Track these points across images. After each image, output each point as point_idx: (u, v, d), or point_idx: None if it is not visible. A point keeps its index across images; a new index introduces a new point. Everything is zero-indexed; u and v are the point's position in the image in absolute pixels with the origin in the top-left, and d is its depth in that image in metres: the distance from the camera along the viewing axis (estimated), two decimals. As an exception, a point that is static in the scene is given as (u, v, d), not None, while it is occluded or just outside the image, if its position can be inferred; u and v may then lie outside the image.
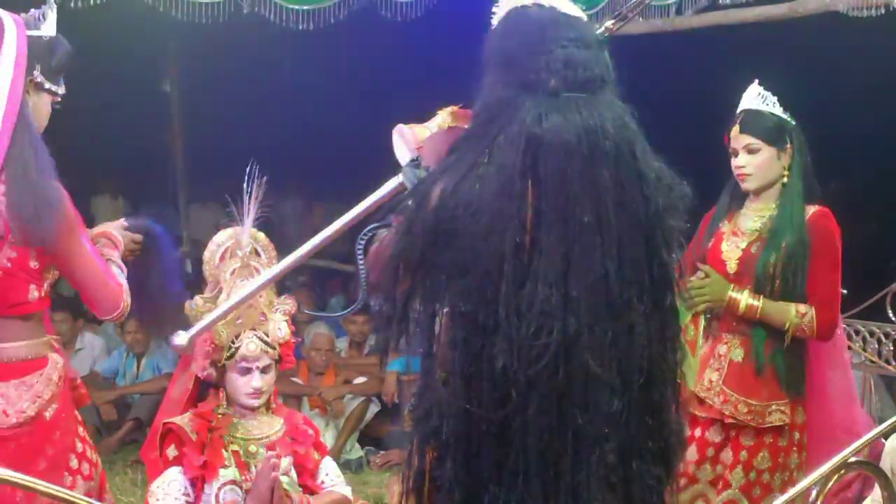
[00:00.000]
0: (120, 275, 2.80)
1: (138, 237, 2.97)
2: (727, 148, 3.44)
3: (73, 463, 2.77)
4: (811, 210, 3.36)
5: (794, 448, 3.38)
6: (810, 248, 3.30)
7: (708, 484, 3.40)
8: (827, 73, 8.21)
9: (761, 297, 3.32)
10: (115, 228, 2.95)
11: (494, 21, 2.14)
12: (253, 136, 8.80)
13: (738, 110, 3.42)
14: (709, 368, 3.41)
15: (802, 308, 3.29)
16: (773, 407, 3.33)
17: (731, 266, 3.40)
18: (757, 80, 3.43)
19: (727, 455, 3.38)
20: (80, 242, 2.65)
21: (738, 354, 3.39)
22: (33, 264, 2.64)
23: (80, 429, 2.84)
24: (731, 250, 3.42)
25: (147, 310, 2.95)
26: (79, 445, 2.81)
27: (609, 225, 1.97)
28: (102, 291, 2.70)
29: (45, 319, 2.79)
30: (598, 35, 2.16)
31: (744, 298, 3.33)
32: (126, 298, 2.73)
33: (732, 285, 3.36)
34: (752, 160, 3.36)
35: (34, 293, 2.67)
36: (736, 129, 3.39)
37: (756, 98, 3.40)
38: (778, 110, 3.38)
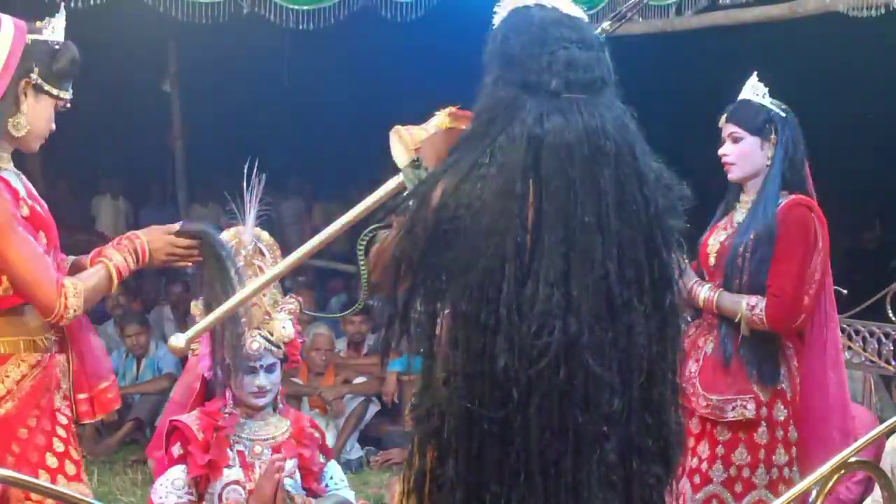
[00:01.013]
0: (88, 276, 2.70)
1: (183, 241, 2.84)
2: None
3: (51, 461, 2.72)
4: (785, 199, 3.33)
5: (780, 445, 3.36)
6: (776, 238, 3.27)
7: (686, 474, 3.40)
8: (827, 73, 8.22)
9: (718, 289, 3.32)
10: (157, 232, 2.85)
11: (496, 21, 2.14)
12: (253, 136, 8.81)
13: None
14: (691, 359, 3.42)
15: (753, 300, 3.27)
16: (737, 402, 3.31)
17: (712, 260, 3.42)
18: (756, 73, 3.44)
19: (704, 448, 3.38)
20: (4, 242, 2.60)
21: (709, 347, 3.41)
22: None
23: (62, 430, 2.76)
24: (714, 244, 3.43)
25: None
26: (58, 445, 2.74)
27: (609, 225, 1.97)
28: (31, 292, 2.62)
29: (24, 318, 2.73)
30: (599, 36, 2.16)
31: (703, 291, 3.34)
32: (63, 304, 2.62)
33: (696, 278, 3.37)
34: (734, 149, 3.38)
35: None
36: (723, 118, 3.41)
37: (749, 90, 3.41)
38: (766, 101, 3.38)
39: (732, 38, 6.57)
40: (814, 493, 2.09)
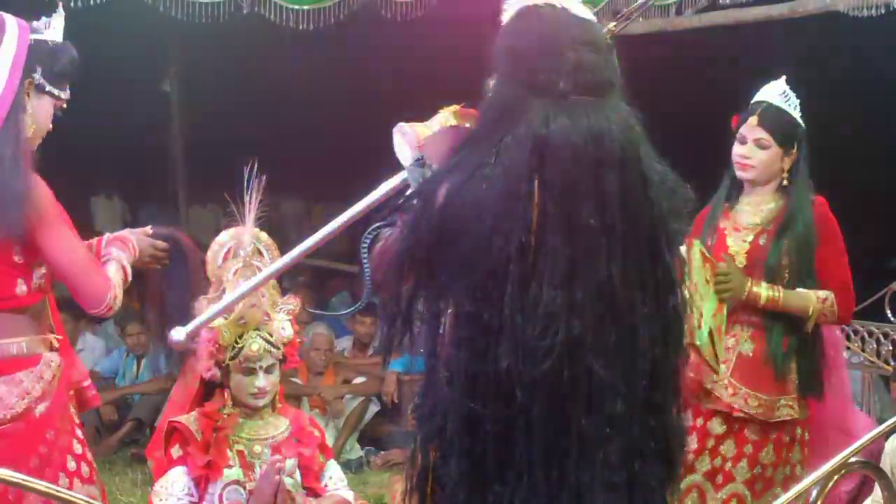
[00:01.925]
0: (115, 271, 2.79)
1: (161, 244, 2.95)
2: (732, 134, 3.46)
3: (71, 465, 2.75)
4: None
5: (798, 443, 3.39)
6: (818, 238, 3.36)
7: (704, 476, 3.40)
8: (827, 73, 8.21)
9: (779, 287, 3.34)
10: (137, 234, 2.94)
11: (504, 18, 2.13)
12: (253, 137, 8.79)
13: (759, 100, 3.44)
14: None
15: (822, 293, 3.33)
16: (782, 401, 3.35)
17: (740, 260, 3.42)
18: (784, 78, 3.46)
19: (729, 448, 3.39)
20: (57, 234, 2.63)
21: (747, 347, 3.41)
22: (17, 259, 2.64)
23: (79, 431, 2.82)
24: (738, 245, 3.44)
25: (169, 318, 2.92)
26: (77, 447, 2.78)
27: (614, 228, 1.96)
28: (85, 283, 2.69)
29: (42, 316, 2.77)
30: (607, 38, 2.15)
31: (763, 290, 3.35)
32: (113, 294, 2.70)
33: (750, 279, 3.37)
34: (758, 154, 3.40)
35: (21, 287, 2.66)
36: (754, 119, 3.41)
37: (780, 96, 3.43)
38: (796, 114, 3.41)
39: (732, 38, 6.56)
40: (814, 493, 2.09)
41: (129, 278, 2.84)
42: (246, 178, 3.10)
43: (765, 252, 3.37)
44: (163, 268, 3.02)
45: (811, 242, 3.35)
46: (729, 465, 3.38)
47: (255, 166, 3.07)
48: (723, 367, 3.41)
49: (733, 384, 3.37)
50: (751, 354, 3.39)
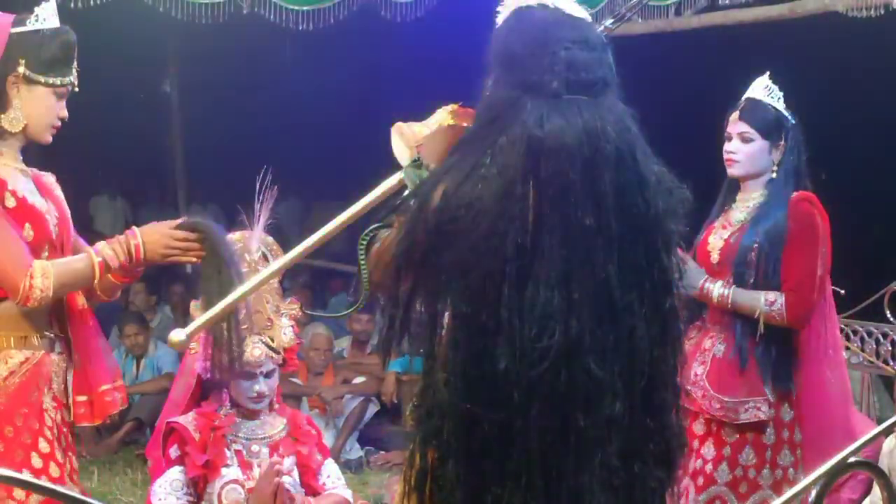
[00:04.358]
0: (59, 262, 2.67)
1: (180, 234, 2.76)
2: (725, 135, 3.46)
3: (37, 462, 2.69)
4: (792, 195, 3.35)
5: (786, 446, 3.37)
6: (786, 233, 3.29)
7: (688, 475, 3.40)
8: (827, 73, 8.21)
9: (733, 286, 3.32)
10: (159, 227, 2.79)
11: (499, 20, 2.13)
12: (252, 137, 8.81)
13: (743, 98, 3.45)
14: (695, 362, 3.41)
15: (771, 296, 3.27)
16: (750, 404, 3.31)
17: (714, 257, 3.41)
18: (768, 73, 3.45)
19: (709, 450, 3.38)
20: None
21: (720, 349, 3.40)
22: None
23: (48, 431, 2.73)
24: (716, 241, 3.44)
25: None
26: (44, 446, 2.72)
27: (610, 229, 1.96)
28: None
29: (8, 313, 2.71)
30: (602, 36, 2.15)
31: (716, 288, 3.33)
32: (32, 282, 2.59)
33: (707, 276, 3.37)
34: (742, 148, 3.39)
35: None
36: (735, 115, 3.42)
37: (762, 90, 3.42)
38: (780, 106, 3.40)
39: (732, 38, 6.57)
40: (813, 493, 2.09)
41: (98, 272, 2.69)
42: (258, 185, 3.08)
43: (734, 249, 3.36)
44: (203, 260, 2.80)
45: (779, 239, 3.29)
46: (710, 467, 3.37)
47: (264, 171, 3.06)
48: (700, 368, 3.39)
49: (704, 386, 3.37)
50: (721, 356, 3.38)
